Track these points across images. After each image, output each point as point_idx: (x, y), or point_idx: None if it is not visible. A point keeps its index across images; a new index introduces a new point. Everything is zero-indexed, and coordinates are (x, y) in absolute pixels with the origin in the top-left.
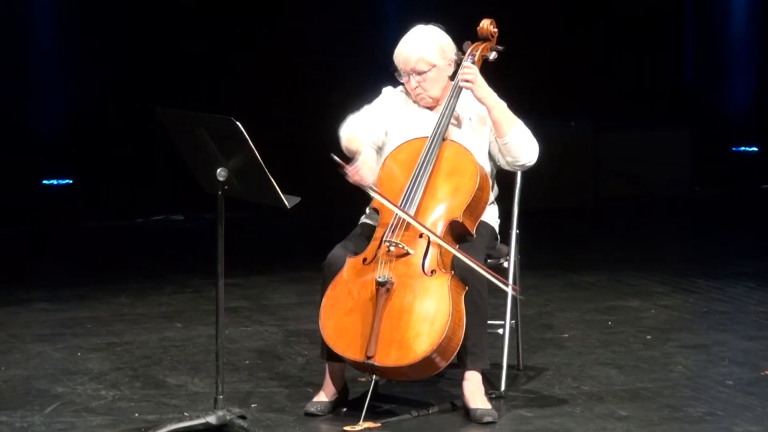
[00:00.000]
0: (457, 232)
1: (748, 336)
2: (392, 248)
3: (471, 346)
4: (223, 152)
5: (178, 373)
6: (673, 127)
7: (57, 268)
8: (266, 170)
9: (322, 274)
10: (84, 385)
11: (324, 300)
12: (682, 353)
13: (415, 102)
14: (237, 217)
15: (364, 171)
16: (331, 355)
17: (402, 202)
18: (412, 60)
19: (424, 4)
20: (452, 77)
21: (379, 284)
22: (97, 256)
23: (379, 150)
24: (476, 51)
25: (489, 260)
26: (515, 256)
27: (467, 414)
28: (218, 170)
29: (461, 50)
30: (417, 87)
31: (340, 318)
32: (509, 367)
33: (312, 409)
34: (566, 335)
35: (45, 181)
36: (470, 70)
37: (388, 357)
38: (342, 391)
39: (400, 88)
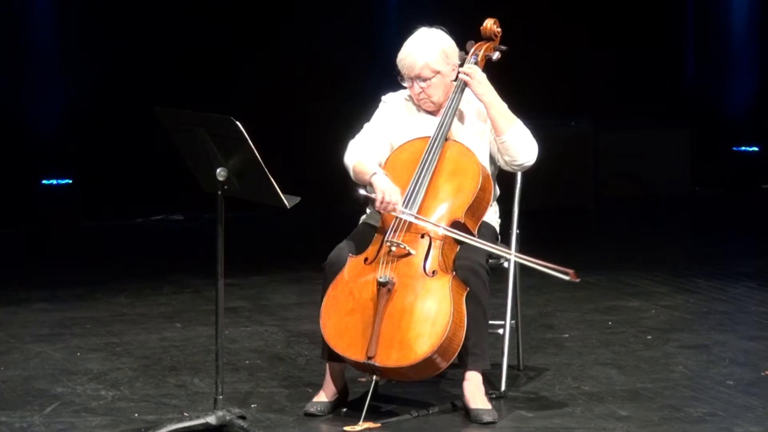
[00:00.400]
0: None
1: (749, 336)
2: (394, 248)
3: (472, 347)
4: (222, 152)
5: (177, 374)
6: (674, 127)
7: (56, 268)
8: (266, 170)
9: (323, 274)
10: (83, 386)
11: (325, 300)
12: (682, 353)
13: (416, 106)
14: (237, 217)
15: (389, 197)
16: (331, 356)
17: (404, 203)
18: (417, 67)
19: (426, 5)
20: (455, 81)
21: (381, 284)
22: (96, 256)
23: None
24: (479, 51)
25: (490, 260)
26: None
27: (467, 414)
28: (218, 170)
29: (464, 50)
30: (421, 93)
31: (341, 318)
32: (509, 367)
33: (312, 410)
34: (566, 335)
35: (44, 181)
36: (469, 69)
37: (389, 357)
38: (342, 391)
39: (401, 92)
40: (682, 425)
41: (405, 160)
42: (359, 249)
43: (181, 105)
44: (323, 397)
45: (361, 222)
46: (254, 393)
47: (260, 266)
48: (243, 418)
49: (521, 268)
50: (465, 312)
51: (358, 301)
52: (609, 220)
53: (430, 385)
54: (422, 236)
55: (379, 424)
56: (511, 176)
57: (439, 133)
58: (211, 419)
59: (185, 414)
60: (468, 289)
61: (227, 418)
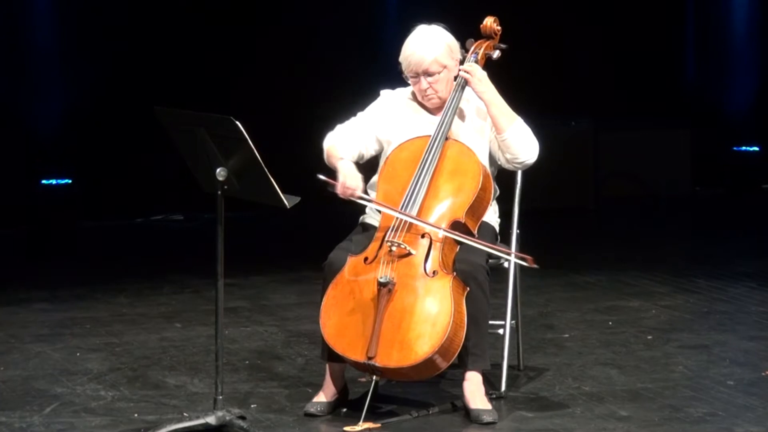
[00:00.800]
0: (458, 233)
1: (749, 336)
2: (394, 248)
3: (472, 347)
4: (222, 152)
5: (177, 374)
6: (674, 127)
7: (56, 268)
8: (266, 170)
9: (323, 274)
10: (83, 386)
11: (325, 299)
12: (682, 353)
13: (416, 104)
14: (236, 217)
15: (349, 183)
16: (331, 356)
17: (404, 202)
18: (425, 62)
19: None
20: (455, 79)
21: (381, 284)
22: (96, 256)
23: (362, 159)
24: (479, 49)
25: (490, 260)
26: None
27: (467, 414)
28: (218, 170)
29: (464, 48)
30: (428, 88)
31: (341, 318)
32: (510, 367)
33: (312, 410)
34: (567, 335)
35: (44, 181)
36: (469, 67)
37: (389, 358)
38: (342, 391)
39: (400, 90)
40: (682, 425)
41: (405, 159)
42: (359, 249)
43: (181, 105)
44: (323, 397)
45: (360, 222)
46: (254, 393)
47: (260, 266)
48: (243, 418)
49: (521, 269)
50: (465, 312)
51: (358, 301)
52: (609, 220)
53: (430, 385)
54: (422, 236)
55: (379, 425)
56: (511, 176)
57: (440, 133)
58: (211, 419)
59: (185, 414)
60: (468, 289)
61: (227, 418)
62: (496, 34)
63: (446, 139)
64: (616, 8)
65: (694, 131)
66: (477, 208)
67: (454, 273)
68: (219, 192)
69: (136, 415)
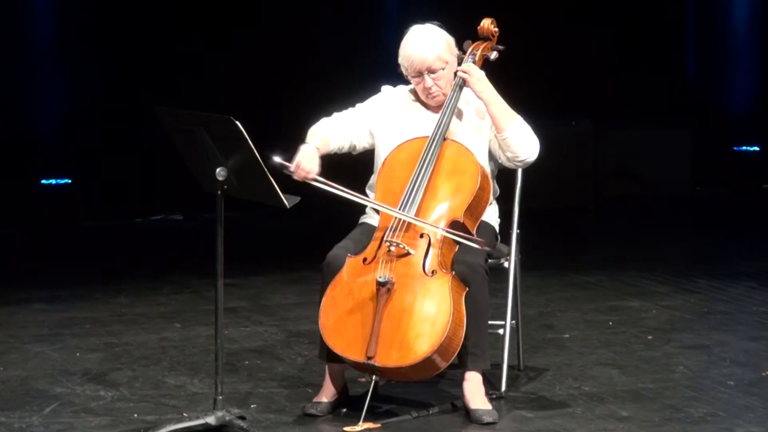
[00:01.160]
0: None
1: (750, 336)
2: (393, 248)
3: (471, 347)
4: (222, 152)
5: (177, 374)
6: (675, 127)
7: (55, 268)
8: (266, 170)
9: (321, 274)
10: (83, 386)
11: (324, 300)
12: (683, 354)
13: (415, 102)
14: (236, 216)
15: (304, 164)
16: (330, 356)
17: (403, 203)
18: (428, 59)
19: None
20: (455, 75)
21: (380, 284)
22: (95, 256)
23: (354, 149)
24: (477, 50)
25: (489, 260)
26: (516, 256)
27: (468, 415)
28: (217, 170)
29: (462, 49)
30: (433, 86)
31: (340, 318)
32: (510, 367)
33: (312, 410)
34: (567, 335)
35: (44, 181)
36: (467, 67)
37: (388, 357)
38: (342, 391)
39: (401, 88)
40: (682, 426)
41: (403, 159)
42: (358, 249)
43: (181, 105)
44: (323, 397)
45: (360, 222)
46: (254, 393)
47: (260, 266)
48: (242, 418)
49: (521, 268)
50: (464, 312)
51: (357, 301)
52: (609, 220)
53: (430, 385)
54: (421, 236)
55: (379, 425)
56: (512, 176)
57: (438, 133)
58: (211, 419)
59: (185, 414)
60: (467, 288)
61: (227, 418)
62: (493, 36)
63: (444, 139)
64: (617, 8)
65: (694, 131)
66: (475, 207)
67: (453, 272)
68: (219, 192)
69: (135, 415)
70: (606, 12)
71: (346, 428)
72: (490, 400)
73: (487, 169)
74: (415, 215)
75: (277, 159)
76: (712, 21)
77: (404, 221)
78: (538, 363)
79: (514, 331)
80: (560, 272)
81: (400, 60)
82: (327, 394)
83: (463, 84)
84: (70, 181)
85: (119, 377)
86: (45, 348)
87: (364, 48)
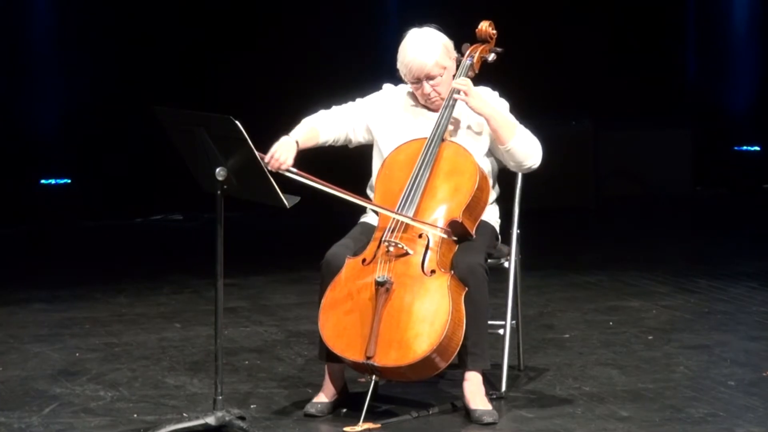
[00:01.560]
0: (456, 233)
1: (750, 336)
2: (391, 248)
3: (471, 347)
4: (222, 151)
5: (176, 374)
6: (675, 126)
7: (55, 268)
8: (266, 170)
9: (321, 273)
10: (82, 386)
11: (323, 301)
12: (683, 354)
13: (415, 104)
14: (236, 216)
15: (279, 154)
16: (329, 356)
17: (401, 203)
18: (426, 67)
19: (424, 4)
20: (454, 75)
21: (379, 284)
22: (95, 256)
23: (350, 143)
24: (475, 53)
25: (489, 260)
26: (516, 256)
27: (468, 415)
28: (217, 170)
29: (460, 52)
30: (431, 92)
31: (339, 318)
32: (510, 367)
33: (311, 410)
34: (567, 335)
35: (43, 181)
36: (463, 82)
37: (387, 357)
38: (342, 391)
39: (402, 86)
40: (683, 426)
41: (402, 161)
42: (357, 249)
43: (180, 104)
44: (323, 397)
45: (360, 221)
46: (253, 393)
47: (260, 266)
48: (242, 418)
49: (522, 268)
50: (464, 311)
51: (356, 302)
52: (609, 220)
53: (430, 385)
54: (420, 236)
55: (379, 425)
56: (512, 176)
57: (436, 134)
58: (211, 420)
59: (184, 414)
60: (467, 288)
61: (226, 418)
62: (491, 38)
63: (443, 140)
64: (617, 8)
65: (694, 131)
66: (474, 208)
67: (452, 272)
68: (218, 192)
69: (135, 415)
70: (606, 12)
71: (346, 428)
72: (490, 400)
73: (487, 169)
74: (414, 216)
75: (256, 153)
76: (712, 21)
77: (402, 221)
78: (538, 363)
79: (514, 331)
80: (560, 272)
81: (399, 66)
82: (327, 394)
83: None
84: (69, 180)
85: (119, 377)
86: (45, 348)
87: (364, 48)
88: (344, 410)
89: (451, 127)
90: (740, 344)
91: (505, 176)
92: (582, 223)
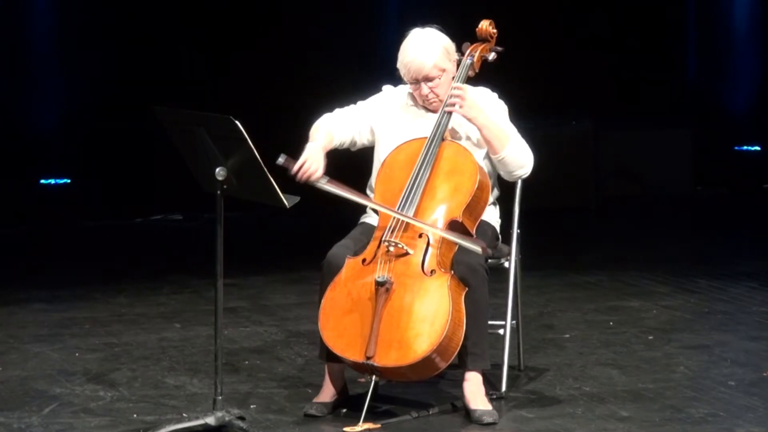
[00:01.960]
0: (456, 233)
1: (750, 336)
2: (392, 248)
3: (471, 347)
4: (222, 151)
5: (176, 374)
6: (675, 126)
7: (55, 268)
8: (265, 170)
9: (321, 273)
10: (82, 386)
11: (323, 301)
12: (683, 354)
13: (415, 104)
14: (236, 216)
15: (309, 164)
16: (330, 356)
17: (401, 203)
18: (425, 68)
19: (424, 4)
20: (454, 77)
21: (379, 284)
22: (95, 256)
23: (354, 145)
24: (475, 52)
25: (490, 260)
26: (516, 256)
27: (468, 415)
28: (217, 169)
29: (460, 51)
30: (429, 93)
31: (339, 319)
32: (510, 367)
33: (311, 410)
34: (567, 336)
35: (43, 181)
36: (458, 92)
37: (387, 357)
38: (342, 391)
39: (401, 87)
40: (683, 426)
41: (402, 160)
42: (357, 249)
43: (180, 104)
44: (323, 397)
45: (360, 221)
46: (253, 394)
47: (260, 266)
48: (242, 418)
49: (522, 268)
50: (464, 311)
51: (356, 302)
52: (609, 220)
53: (430, 385)
54: (420, 236)
55: (379, 425)
56: None
57: (436, 134)
58: (210, 420)
59: (184, 415)
60: (467, 288)
61: (226, 418)
62: (492, 37)
63: (443, 140)
64: (617, 8)
65: (694, 131)
66: (474, 207)
67: (452, 272)
68: (218, 192)
69: (135, 415)
70: (606, 12)
71: (346, 428)
72: (491, 400)
73: (487, 169)
74: (414, 216)
75: (281, 159)
76: (713, 21)
77: (403, 221)
78: (538, 363)
79: (515, 331)
80: (560, 272)
81: (398, 66)
82: (327, 394)
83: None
84: (69, 180)
85: (119, 377)
86: (44, 348)
87: (364, 48)
88: (344, 410)
89: (451, 127)
90: (740, 344)
91: None
92: (582, 223)
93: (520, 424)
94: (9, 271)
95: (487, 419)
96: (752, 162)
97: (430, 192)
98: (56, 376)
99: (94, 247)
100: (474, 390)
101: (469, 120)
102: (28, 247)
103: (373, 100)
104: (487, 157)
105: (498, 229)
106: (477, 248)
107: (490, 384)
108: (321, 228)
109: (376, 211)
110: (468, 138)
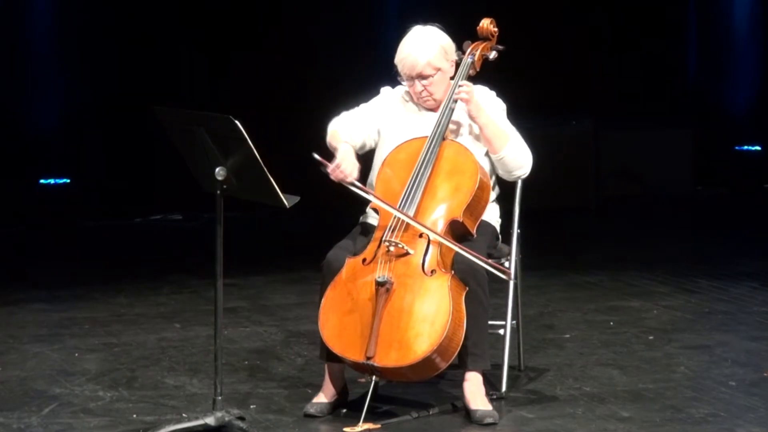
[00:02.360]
0: (457, 232)
1: (751, 336)
2: (392, 248)
3: (472, 347)
4: (221, 151)
5: (176, 374)
6: (676, 126)
7: (54, 268)
8: (265, 169)
9: (321, 274)
10: (82, 386)
11: (323, 300)
12: (684, 354)
13: (413, 103)
14: (236, 216)
15: (344, 166)
16: (330, 356)
17: (402, 202)
18: (418, 65)
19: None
20: (453, 77)
21: (379, 284)
22: (94, 256)
23: (363, 148)
24: (476, 50)
25: (490, 260)
26: (516, 255)
27: (468, 415)
28: (217, 169)
29: (461, 50)
30: (423, 91)
31: (339, 319)
32: (510, 367)
33: (311, 410)
34: (567, 336)
35: (42, 180)
36: (467, 89)
37: (387, 357)
38: (341, 392)
39: (399, 88)
40: (683, 426)
41: (403, 160)
42: (358, 249)
43: (180, 104)
44: (323, 397)
45: (360, 221)
46: (253, 394)
47: (260, 266)
48: (242, 419)
49: (522, 268)
50: (464, 311)
51: (356, 302)
52: (610, 219)
53: (431, 385)
54: (420, 236)
55: (379, 425)
56: None
57: (437, 133)
58: (210, 420)
59: (184, 415)
60: (467, 288)
61: (226, 419)
62: (493, 36)
63: (443, 139)
64: (617, 8)
65: (695, 131)
66: (475, 207)
67: (453, 272)
68: (218, 191)
69: (134, 415)
70: (606, 12)
71: (345, 429)
72: (491, 400)
73: (487, 169)
74: (414, 215)
75: (316, 156)
76: (713, 20)
77: (403, 221)
78: (538, 363)
79: (515, 331)
80: (560, 272)
81: (395, 61)
82: (327, 394)
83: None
84: (69, 180)
85: (118, 377)
86: (44, 348)
87: (364, 48)
88: (344, 410)
89: (452, 126)
90: (741, 344)
91: None
92: (582, 223)
93: (520, 425)
94: (9, 271)
95: (488, 419)
96: (752, 162)
97: (431, 191)
98: (56, 376)
99: (94, 247)
100: (474, 390)
101: (472, 118)
102: (27, 247)
103: (375, 102)
104: (487, 155)
105: (498, 228)
106: (503, 275)
107: (491, 384)
108: (321, 228)
109: (376, 211)
110: (470, 128)
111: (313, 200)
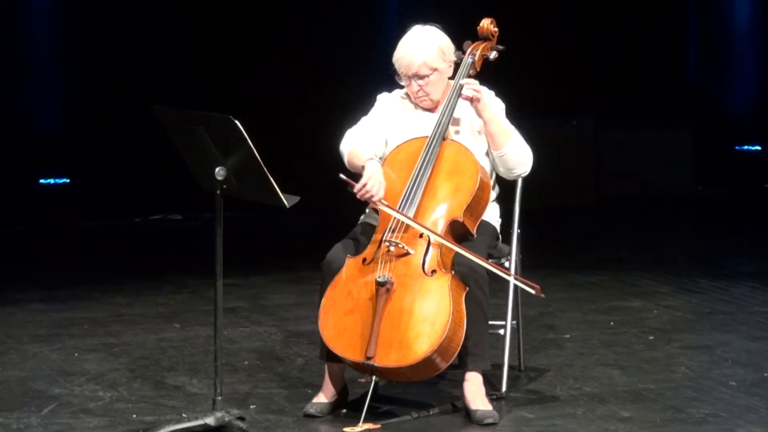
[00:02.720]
0: (457, 232)
1: (752, 337)
2: (392, 248)
3: (472, 347)
4: (221, 151)
5: (176, 374)
6: (676, 126)
7: (54, 267)
8: (265, 169)
9: (321, 274)
10: (81, 386)
11: (323, 300)
12: (684, 354)
13: (413, 104)
14: (236, 216)
15: (370, 185)
16: (330, 356)
17: (402, 203)
18: (414, 65)
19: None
20: (452, 78)
21: (379, 284)
22: (94, 255)
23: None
24: (476, 50)
25: (490, 260)
26: (517, 255)
27: (468, 415)
28: (216, 169)
29: (461, 50)
30: (419, 90)
31: (339, 319)
32: (510, 368)
33: (311, 411)
34: (568, 336)
35: (42, 180)
36: (474, 85)
37: (388, 357)
38: (341, 392)
39: (396, 92)
40: (684, 426)
41: (403, 160)
42: (358, 249)
43: (180, 104)
44: (323, 397)
45: (361, 221)
46: (253, 394)
47: (259, 266)
48: (242, 419)
49: (522, 268)
50: (464, 311)
51: (356, 302)
52: (610, 219)
53: (431, 385)
54: (421, 236)
55: (379, 425)
56: None
57: (437, 133)
58: (210, 420)
59: (183, 415)
60: (467, 288)
61: (226, 419)
62: (493, 36)
63: (444, 139)
64: (618, 7)
65: (695, 130)
66: (475, 207)
67: (453, 272)
68: (218, 191)
69: (134, 415)
70: (606, 12)
71: (345, 429)
72: (491, 400)
73: (487, 168)
74: (414, 215)
75: (343, 176)
76: (713, 21)
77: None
78: (538, 363)
79: (515, 331)
80: (561, 272)
81: (393, 60)
82: (327, 394)
83: (462, 87)
84: (68, 180)
85: (118, 377)
86: (43, 348)
87: (363, 48)
88: (344, 411)
89: (452, 126)
90: (742, 344)
91: None
92: (582, 223)
93: (520, 425)
94: (8, 271)
95: (488, 420)
96: (753, 162)
97: (431, 191)
98: (55, 376)
99: (93, 247)
100: (474, 390)
101: (478, 113)
102: (27, 247)
103: (377, 111)
104: (488, 155)
105: (498, 228)
106: (531, 290)
107: (491, 384)
108: (321, 228)
109: (376, 211)
110: (470, 128)
111: (313, 200)
